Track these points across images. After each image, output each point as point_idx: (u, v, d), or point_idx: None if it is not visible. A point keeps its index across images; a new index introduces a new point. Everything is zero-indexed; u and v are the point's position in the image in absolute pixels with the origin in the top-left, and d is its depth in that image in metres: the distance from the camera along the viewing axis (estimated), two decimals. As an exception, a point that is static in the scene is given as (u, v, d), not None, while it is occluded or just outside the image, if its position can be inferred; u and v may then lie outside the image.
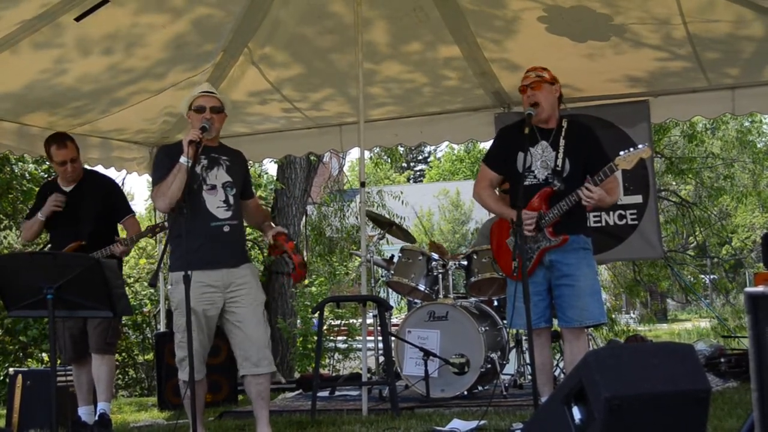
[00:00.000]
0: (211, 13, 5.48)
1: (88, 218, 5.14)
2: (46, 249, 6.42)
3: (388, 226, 6.82)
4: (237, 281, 4.20)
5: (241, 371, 4.23)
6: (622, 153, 4.17)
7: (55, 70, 5.60)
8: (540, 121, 4.42)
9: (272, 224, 4.45)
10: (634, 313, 24.41)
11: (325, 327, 10.55)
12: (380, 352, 6.22)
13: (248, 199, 4.46)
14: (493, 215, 6.26)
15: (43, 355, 9.96)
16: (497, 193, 5.09)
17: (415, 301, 6.37)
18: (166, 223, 4.76)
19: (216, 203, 4.21)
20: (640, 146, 4.21)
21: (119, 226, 5.40)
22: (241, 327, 4.17)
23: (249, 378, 4.19)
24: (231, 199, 4.25)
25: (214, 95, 4.32)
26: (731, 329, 13.12)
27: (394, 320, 8.11)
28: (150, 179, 7.33)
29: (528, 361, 5.97)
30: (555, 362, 5.92)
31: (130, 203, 5.57)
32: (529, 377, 5.98)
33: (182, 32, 5.56)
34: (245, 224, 4.50)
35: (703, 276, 20.25)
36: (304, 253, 13.48)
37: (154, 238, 5.93)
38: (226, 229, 4.20)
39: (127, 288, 8.25)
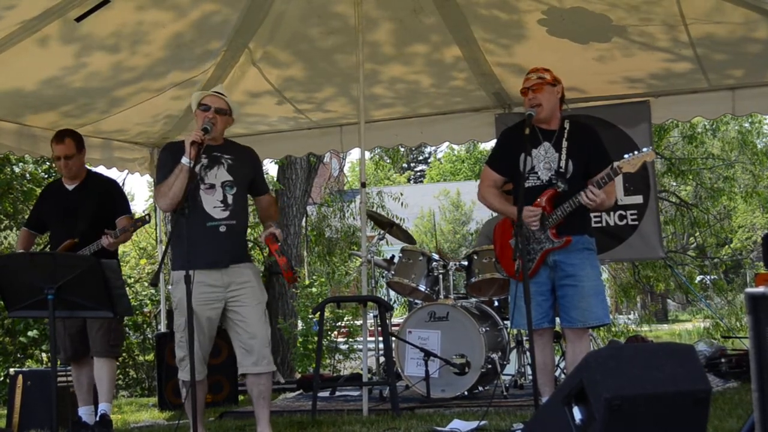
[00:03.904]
0: (215, 9, 5.46)
1: (85, 217, 5.14)
2: (46, 249, 6.42)
3: (388, 226, 6.82)
4: (238, 280, 4.20)
5: (241, 369, 4.23)
6: (626, 156, 4.17)
7: (58, 71, 5.60)
8: (541, 122, 4.42)
9: (272, 225, 4.44)
10: (633, 314, 24.39)
11: (325, 327, 10.56)
12: (381, 352, 6.22)
13: (259, 196, 4.48)
14: (495, 215, 6.27)
15: (43, 355, 9.96)
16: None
17: (416, 301, 6.37)
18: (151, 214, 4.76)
19: (213, 203, 4.19)
20: (644, 149, 4.21)
21: None
22: (244, 325, 4.17)
23: (251, 378, 4.19)
24: (229, 199, 4.22)
25: (221, 97, 4.32)
26: (729, 329, 13.10)
27: (395, 320, 8.11)
28: (150, 180, 7.33)
29: (529, 361, 5.96)
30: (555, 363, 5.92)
31: (130, 205, 5.56)
32: (530, 377, 5.98)
33: (184, 31, 5.56)
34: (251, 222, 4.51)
35: (702, 276, 20.24)
36: (304, 254, 13.50)
37: (155, 238, 5.93)
38: (222, 229, 4.18)
39: (127, 288, 8.24)
